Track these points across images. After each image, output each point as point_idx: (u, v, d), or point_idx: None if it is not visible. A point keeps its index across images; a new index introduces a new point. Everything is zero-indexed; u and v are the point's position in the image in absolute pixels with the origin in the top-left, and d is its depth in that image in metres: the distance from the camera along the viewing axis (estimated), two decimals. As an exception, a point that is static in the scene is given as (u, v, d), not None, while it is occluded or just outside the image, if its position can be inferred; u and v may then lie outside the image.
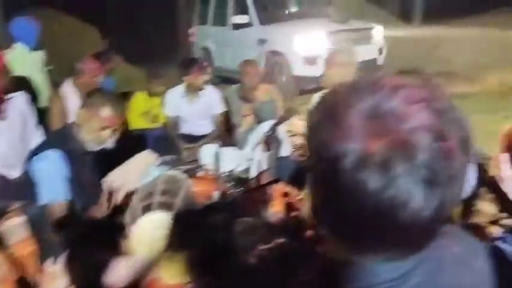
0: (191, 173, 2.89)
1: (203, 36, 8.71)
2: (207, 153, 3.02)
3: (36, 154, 1.66)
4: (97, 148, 1.89)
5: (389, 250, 0.47)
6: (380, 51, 6.80)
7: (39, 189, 1.61)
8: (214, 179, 2.68)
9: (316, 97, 2.84)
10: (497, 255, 1.74)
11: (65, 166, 1.65)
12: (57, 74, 3.69)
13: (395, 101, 0.43)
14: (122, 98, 5.27)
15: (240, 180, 2.81)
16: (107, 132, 1.83)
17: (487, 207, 1.87)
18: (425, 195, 0.42)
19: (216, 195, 2.53)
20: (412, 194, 0.42)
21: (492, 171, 1.94)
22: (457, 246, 0.57)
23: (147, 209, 1.77)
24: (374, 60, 6.66)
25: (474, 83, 7.11)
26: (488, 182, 1.95)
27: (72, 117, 1.93)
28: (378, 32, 6.90)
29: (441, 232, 0.49)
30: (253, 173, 2.84)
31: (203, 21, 8.77)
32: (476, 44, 7.90)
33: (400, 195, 0.42)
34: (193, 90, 3.47)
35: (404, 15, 14.17)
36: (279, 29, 6.73)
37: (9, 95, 2.58)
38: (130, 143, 3.46)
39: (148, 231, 1.70)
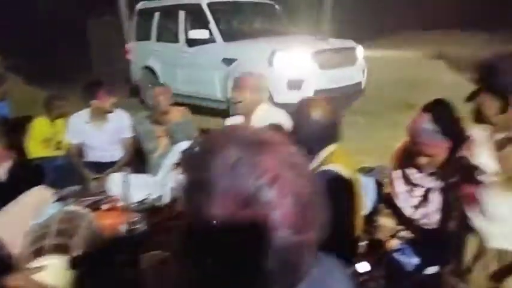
0: (97, 206, 2.68)
1: (144, 53, 7.47)
2: (115, 182, 2.84)
3: None
4: None
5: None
6: (363, 72, 6.21)
7: None
8: (123, 211, 2.52)
9: (229, 121, 2.84)
10: (395, 266, 1.88)
11: None
12: None
13: (251, 149, 0.48)
14: (19, 123, 4.84)
15: (152, 210, 2.68)
16: None
17: (386, 222, 2.00)
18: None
19: (124, 228, 2.37)
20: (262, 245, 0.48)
21: (388, 188, 2.10)
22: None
23: (37, 253, 1.58)
24: (359, 83, 6.06)
25: (375, 100, 7.77)
26: (385, 198, 2.11)
27: None
28: (360, 52, 6.24)
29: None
30: (166, 200, 2.73)
31: (144, 36, 7.54)
32: (373, 63, 8.67)
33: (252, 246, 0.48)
34: (100, 114, 3.24)
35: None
36: (253, 46, 5.70)
37: None
38: (26, 174, 3.13)
39: (38, 279, 1.51)
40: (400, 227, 2.02)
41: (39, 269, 1.48)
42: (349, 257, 1.82)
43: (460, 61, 8.96)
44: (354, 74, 5.87)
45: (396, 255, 1.86)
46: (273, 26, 7.05)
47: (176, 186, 2.68)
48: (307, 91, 4.96)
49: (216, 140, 0.52)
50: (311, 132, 1.75)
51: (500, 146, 0.85)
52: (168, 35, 7.09)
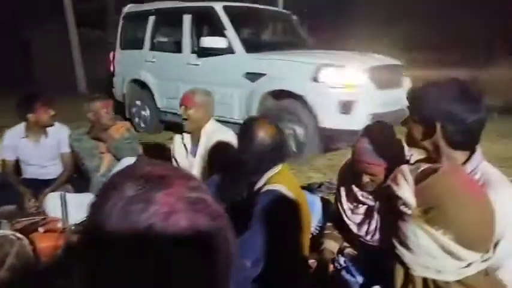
0: (34, 228, 2.50)
1: (133, 64, 6.25)
2: (52, 202, 2.66)
3: None
4: None
5: None
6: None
7: None
8: (62, 232, 2.36)
9: (176, 139, 2.78)
10: (342, 285, 1.91)
11: None
12: None
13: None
14: None
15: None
16: None
17: (330, 243, 2.03)
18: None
19: (61, 251, 2.22)
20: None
21: (335, 204, 2.14)
22: None
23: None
24: (405, 109, 5.13)
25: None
26: (332, 215, 2.15)
27: None
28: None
29: None
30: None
31: (133, 45, 6.32)
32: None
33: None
34: (38, 128, 3.03)
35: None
36: (288, 59, 4.57)
37: None
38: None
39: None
40: (347, 244, 2.06)
41: None
42: (296, 277, 1.83)
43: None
44: (402, 96, 5.10)
45: (343, 274, 1.89)
46: (295, 37, 6.16)
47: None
48: (361, 115, 4.06)
49: (114, 178, 0.52)
50: (257, 152, 1.75)
51: (419, 178, 0.89)
52: (167, 43, 6.10)
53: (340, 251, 2.06)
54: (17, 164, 3.16)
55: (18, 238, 1.90)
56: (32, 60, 18.16)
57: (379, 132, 1.73)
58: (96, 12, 17.35)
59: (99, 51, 16.91)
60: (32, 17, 18.30)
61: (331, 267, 1.96)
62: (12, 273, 1.62)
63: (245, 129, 1.83)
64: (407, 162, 1.63)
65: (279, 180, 1.76)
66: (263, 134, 1.77)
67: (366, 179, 1.77)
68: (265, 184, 1.76)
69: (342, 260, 2.01)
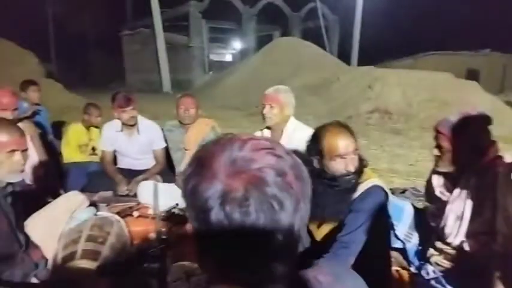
0: (128, 213, 2.72)
1: None
2: (145, 190, 2.87)
3: None
4: (17, 178, 1.70)
5: (257, 271, 0.56)
6: None
7: None
8: (152, 218, 2.54)
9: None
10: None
11: None
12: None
13: (246, 150, 0.56)
14: (60, 127, 5.02)
15: (180, 219, 2.69)
16: (17, 155, 1.65)
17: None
18: (274, 219, 0.53)
19: (152, 236, 2.38)
20: (264, 219, 0.52)
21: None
22: (325, 275, 0.67)
23: (69, 258, 1.61)
24: None
25: (407, 119, 7.62)
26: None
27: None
28: None
29: (310, 264, 0.65)
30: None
31: None
32: (405, 84, 8.53)
33: (255, 221, 0.52)
34: (128, 125, 3.28)
35: (342, 57, 15.02)
36: None
37: None
38: (60, 177, 3.23)
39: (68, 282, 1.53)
40: (435, 252, 1.93)
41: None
42: (382, 283, 1.75)
43: (491, 81, 8.71)
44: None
45: (433, 284, 1.78)
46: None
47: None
48: None
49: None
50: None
51: None
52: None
53: (427, 259, 1.95)
54: (114, 154, 3.46)
55: (117, 220, 2.08)
56: (123, 63, 19.85)
57: (474, 117, 1.70)
58: (180, 18, 18.40)
59: (181, 54, 18.01)
60: (122, 23, 19.97)
61: (406, 274, 1.86)
62: (112, 251, 1.78)
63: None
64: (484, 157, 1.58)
65: (372, 175, 1.74)
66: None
67: (434, 151, 1.78)
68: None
69: (430, 268, 1.89)
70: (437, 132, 1.75)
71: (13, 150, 1.61)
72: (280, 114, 2.53)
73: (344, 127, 1.79)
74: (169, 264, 1.93)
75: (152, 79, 17.47)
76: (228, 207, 0.52)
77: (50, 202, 2.16)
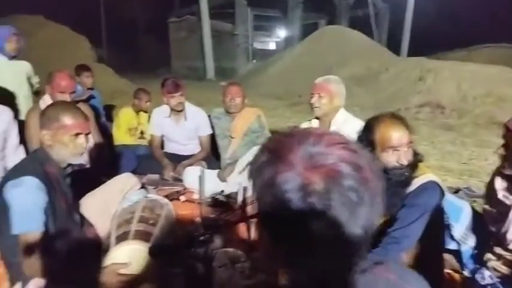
0: (174, 196, 2.79)
1: None
2: (191, 175, 2.93)
3: (12, 178, 1.55)
4: (79, 160, 1.78)
5: (332, 264, 0.57)
6: None
7: (13, 217, 1.49)
8: (198, 203, 2.59)
9: (304, 126, 2.78)
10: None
11: (40, 194, 1.54)
12: (42, 84, 3.56)
13: (322, 144, 0.56)
14: (110, 111, 5.23)
15: (224, 206, 2.72)
16: (81, 139, 1.71)
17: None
18: (354, 213, 0.53)
19: (198, 220, 2.43)
20: (345, 213, 0.53)
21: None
22: (391, 274, 0.67)
23: (123, 237, 1.67)
24: None
25: (460, 115, 7.22)
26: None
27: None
28: None
29: (377, 262, 0.65)
30: (239, 199, 2.76)
31: None
32: (459, 77, 8.06)
33: (336, 214, 0.53)
34: (175, 110, 3.34)
35: (392, 47, 14.42)
36: None
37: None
38: (112, 159, 3.36)
39: (121, 262, 1.58)
40: (492, 257, 1.83)
41: (125, 265, 1.55)
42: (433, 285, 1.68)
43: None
44: None
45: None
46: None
47: (248, 187, 2.69)
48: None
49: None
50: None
51: None
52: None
53: (483, 263, 1.84)
54: (162, 139, 3.55)
55: (166, 203, 2.13)
56: (170, 50, 20.27)
57: None
58: (226, 6, 18.43)
59: (226, 42, 18.11)
60: (170, 11, 20.36)
61: (458, 277, 1.77)
62: (162, 233, 1.83)
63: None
64: None
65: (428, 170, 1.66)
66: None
67: (500, 150, 1.71)
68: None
69: (486, 273, 1.78)
70: (508, 130, 1.62)
71: (78, 134, 1.68)
72: (329, 104, 2.46)
73: (399, 119, 1.71)
74: (214, 250, 1.96)
75: (196, 66, 17.73)
76: (309, 199, 0.52)
77: (103, 182, 2.25)
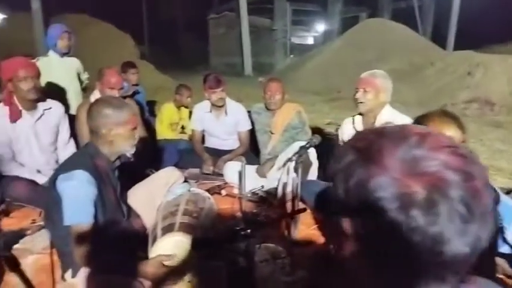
0: (215, 190, 2.84)
1: None
2: (232, 170, 2.96)
3: (64, 172, 1.63)
4: (131, 152, 1.85)
5: (429, 285, 0.50)
6: None
7: (65, 209, 1.58)
8: (239, 198, 2.62)
9: (346, 122, 2.72)
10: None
11: (90, 187, 1.62)
12: (91, 80, 3.72)
13: (425, 147, 0.49)
14: (152, 106, 5.38)
15: (264, 201, 2.73)
16: (136, 132, 1.81)
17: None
18: (463, 230, 0.46)
19: (239, 215, 2.46)
20: (451, 229, 0.46)
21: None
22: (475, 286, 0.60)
23: (168, 229, 1.72)
24: None
25: (511, 111, 6.81)
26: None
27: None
28: None
29: (469, 280, 0.55)
30: (279, 195, 2.76)
31: None
32: (510, 71, 7.58)
33: (442, 230, 0.46)
34: (216, 106, 3.38)
35: (437, 40, 13.78)
36: None
37: (45, 105, 2.63)
38: (155, 153, 3.46)
39: (166, 253, 1.63)
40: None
41: (170, 257, 1.60)
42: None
43: None
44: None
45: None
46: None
47: (287, 184, 2.68)
48: None
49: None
50: None
51: None
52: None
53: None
54: (203, 133, 3.62)
55: (208, 197, 2.17)
56: (208, 46, 20.57)
57: None
58: (264, 1, 18.37)
59: (264, 37, 18.10)
60: (209, 9, 20.60)
61: (510, 281, 1.66)
62: (205, 227, 1.87)
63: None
64: None
65: None
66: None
67: None
68: None
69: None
70: None
71: (133, 128, 1.76)
72: (374, 99, 2.39)
73: (450, 117, 1.63)
74: (255, 245, 1.98)
75: (234, 62, 17.86)
76: (410, 211, 0.46)
77: (147, 175, 2.33)
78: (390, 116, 2.41)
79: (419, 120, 1.66)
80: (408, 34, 12.41)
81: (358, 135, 0.57)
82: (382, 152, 0.50)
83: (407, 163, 0.48)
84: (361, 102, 2.40)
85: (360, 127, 2.57)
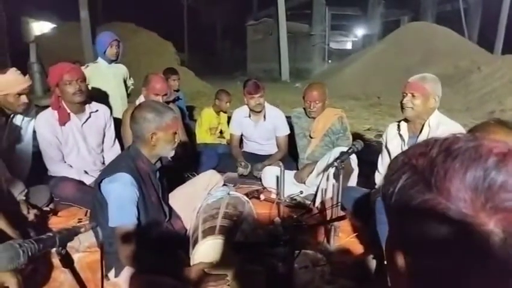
0: (254, 195, 2.84)
1: None
2: (270, 175, 2.95)
3: (108, 174, 1.69)
4: (171, 155, 1.89)
5: None
6: None
7: (110, 211, 1.64)
8: (277, 203, 2.60)
9: (391, 128, 2.62)
10: None
11: (133, 189, 1.67)
12: (136, 85, 3.86)
13: (506, 173, 0.38)
14: (192, 111, 5.50)
15: (303, 207, 2.70)
16: (177, 136, 1.86)
17: None
18: None
19: (278, 220, 2.44)
20: None
21: None
22: None
23: (209, 232, 1.73)
24: None
25: None
26: None
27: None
28: None
29: None
30: (317, 201, 2.71)
31: None
32: None
33: None
34: (255, 111, 3.39)
35: (484, 44, 13.13)
36: None
37: (92, 108, 2.75)
38: (195, 156, 3.52)
39: (207, 255, 1.64)
40: None
41: (211, 264, 1.61)
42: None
43: None
44: None
45: None
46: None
47: (326, 190, 2.63)
48: None
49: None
50: None
51: None
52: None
53: None
54: (240, 138, 3.64)
55: (247, 201, 2.17)
56: (246, 52, 20.80)
57: None
58: (303, 6, 18.32)
59: (302, 43, 18.06)
60: (247, 15, 20.84)
61: None
62: (244, 230, 1.87)
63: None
64: None
65: None
66: None
67: None
68: None
69: None
70: None
71: (175, 132, 1.81)
72: (423, 105, 2.27)
73: (509, 127, 1.52)
74: (294, 251, 1.95)
75: (271, 67, 17.93)
76: (484, 250, 0.37)
77: (188, 178, 2.37)
78: (438, 123, 2.30)
79: (473, 130, 1.56)
80: (453, 37, 11.92)
81: (417, 148, 0.45)
82: (447, 175, 0.40)
83: (481, 192, 0.38)
84: (408, 107, 2.30)
85: (405, 134, 2.47)
